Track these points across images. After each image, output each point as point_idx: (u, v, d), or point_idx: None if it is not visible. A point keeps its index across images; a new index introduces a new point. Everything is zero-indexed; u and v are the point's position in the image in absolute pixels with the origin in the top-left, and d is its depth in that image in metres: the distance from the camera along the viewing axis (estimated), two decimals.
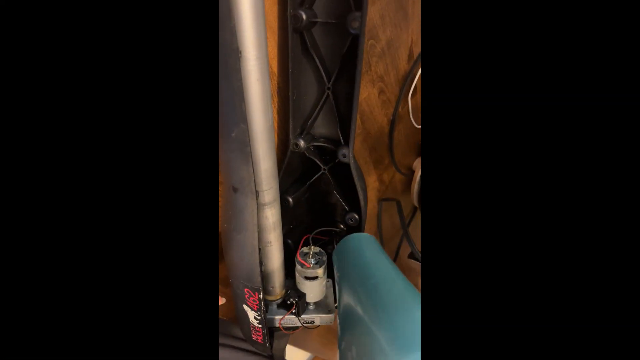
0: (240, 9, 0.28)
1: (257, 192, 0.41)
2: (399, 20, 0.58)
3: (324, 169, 0.50)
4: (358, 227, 0.52)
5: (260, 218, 0.44)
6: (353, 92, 0.43)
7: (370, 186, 0.80)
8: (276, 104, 0.47)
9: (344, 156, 0.46)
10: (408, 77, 0.67)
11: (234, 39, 0.29)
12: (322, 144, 0.49)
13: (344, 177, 0.49)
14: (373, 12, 0.52)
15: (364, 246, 0.46)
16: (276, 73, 0.45)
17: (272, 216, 0.45)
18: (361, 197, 0.48)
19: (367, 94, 0.61)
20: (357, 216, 0.51)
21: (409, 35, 0.62)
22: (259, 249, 0.48)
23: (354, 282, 0.42)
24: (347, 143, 0.46)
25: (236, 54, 0.30)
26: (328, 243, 0.60)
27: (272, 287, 0.53)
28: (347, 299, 0.42)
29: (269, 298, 0.54)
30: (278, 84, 0.46)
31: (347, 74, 0.43)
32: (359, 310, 0.37)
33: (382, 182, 0.83)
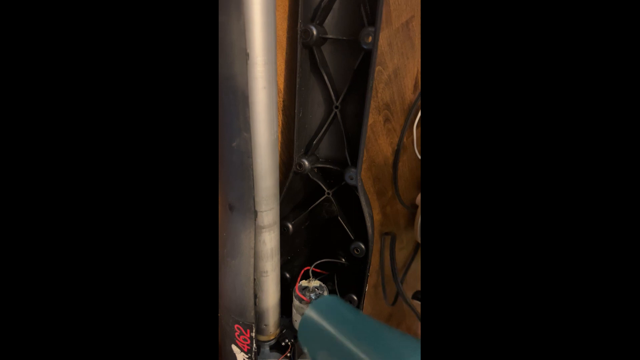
0: (251, 7, 0.26)
1: (255, 213, 0.37)
2: (406, 49, 0.58)
3: (328, 193, 0.47)
4: (364, 258, 0.47)
5: (257, 243, 0.40)
6: (363, 109, 0.41)
7: (374, 219, 0.76)
8: (280, 122, 0.45)
9: (351, 178, 0.43)
10: (413, 107, 0.66)
11: (242, 39, 0.27)
12: (327, 166, 0.46)
13: (350, 203, 0.46)
14: (382, 39, 0.52)
15: (325, 319, 0.37)
16: (282, 90, 0.43)
17: (270, 241, 0.41)
18: (369, 224, 0.44)
19: (373, 121, 0.60)
20: (363, 246, 0.46)
21: (415, 66, 0.62)
22: (254, 279, 0.43)
23: None
24: (354, 164, 0.43)
25: (244, 55, 0.28)
26: (328, 278, 0.55)
27: (266, 326, 0.47)
28: None
29: (262, 338, 0.48)
30: (283, 102, 0.44)
31: (356, 92, 0.42)
32: None
33: (385, 215, 0.79)
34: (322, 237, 0.57)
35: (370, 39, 0.36)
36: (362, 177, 0.64)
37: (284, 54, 0.41)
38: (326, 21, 0.40)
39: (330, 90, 0.42)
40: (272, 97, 0.33)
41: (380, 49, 0.52)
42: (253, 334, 0.39)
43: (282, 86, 0.43)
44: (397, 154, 0.70)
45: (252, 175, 0.33)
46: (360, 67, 0.40)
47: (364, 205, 0.43)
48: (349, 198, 0.45)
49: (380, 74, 0.55)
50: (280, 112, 0.45)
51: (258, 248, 0.41)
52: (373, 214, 0.76)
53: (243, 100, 0.30)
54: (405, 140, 0.70)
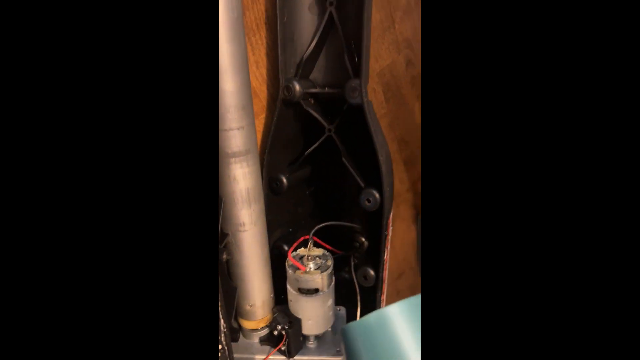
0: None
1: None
2: None
3: (329, 130, 0.36)
4: (379, 211, 0.34)
5: (225, 179, 0.29)
6: (363, 5, 0.30)
7: (402, 197, 0.63)
8: (264, 38, 0.36)
9: (355, 91, 0.32)
10: None
11: None
12: (325, 90, 0.35)
13: (356, 136, 0.34)
14: None
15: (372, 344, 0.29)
16: None
17: (244, 179, 0.30)
18: (381, 157, 0.32)
19: (392, 60, 0.48)
20: (376, 194, 0.34)
21: None
22: (225, 234, 0.32)
23: None
24: (358, 75, 0.32)
25: None
26: (343, 262, 0.43)
27: (251, 306, 0.35)
28: None
29: (247, 325, 0.36)
30: (266, 10, 0.35)
31: None
32: None
33: (416, 193, 0.65)
34: (334, 204, 0.45)
35: None
36: (385, 136, 0.52)
37: None
38: None
39: None
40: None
41: None
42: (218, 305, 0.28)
43: None
44: None
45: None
46: None
47: (373, 132, 0.31)
48: (356, 131, 0.34)
49: None
50: (264, 25, 0.35)
51: (227, 187, 0.30)
52: (403, 191, 0.62)
53: None
54: None
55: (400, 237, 0.67)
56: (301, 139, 0.39)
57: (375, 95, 0.48)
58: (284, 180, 0.38)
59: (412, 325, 0.28)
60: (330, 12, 0.33)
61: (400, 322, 0.28)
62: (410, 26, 0.48)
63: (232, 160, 0.29)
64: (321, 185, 0.43)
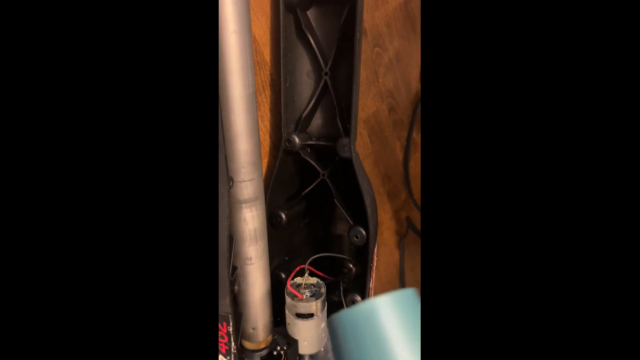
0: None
1: (231, 180, 0.32)
2: (407, 32, 0.55)
3: (323, 174, 0.42)
4: (365, 246, 0.40)
5: (236, 221, 0.35)
6: (352, 74, 0.37)
7: (385, 225, 0.69)
8: (268, 98, 0.42)
9: (345, 147, 0.38)
10: (421, 99, 0.62)
11: None
12: (320, 143, 0.42)
13: (346, 182, 0.40)
14: (378, 19, 0.50)
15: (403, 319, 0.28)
16: (269, 62, 0.41)
17: (252, 220, 0.36)
18: (367, 201, 0.38)
19: (376, 109, 0.56)
20: (363, 231, 0.40)
21: (419, 52, 0.59)
22: (234, 268, 0.37)
23: None
24: (347, 134, 0.38)
25: None
26: (334, 286, 0.48)
27: (254, 329, 0.40)
28: None
29: (249, 346, 0.41)
30: (271, 75, 0.42)
31: (345, 57, 0.38)
32: None
33: (399, 221, 0.71)
34: (325, 234, 0.51)
35: None
36: (369, 173, 0.58)
37: (269, 19, 0.39)
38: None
39: (319, 55, 0.39)
40: (245, 44, 0.30)
41: (377, 29, 0.50)
42: (231, 329, 0.33)
43: (268, 57, 0.41)
44: (407, 150, 0.65)
45: (223, 134, 0.29)
46: (346, 23, 0.36)
47: (360, 180, 0.38)
48: (346, 177, 0.40)
49: (380, 57, 0.52)
50: (268, 86, 0.42)
51: (238, 227, 0.36)
52: (386, 220, 0.69)
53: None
54: (415, 135, 0.65)
55: (385, 261, 0.73)
56: (298, 181, 0.45)
57: (361, 138, 0.55)
58: (283, 216, 0.44)
59: (401, 317, 0.27)
60: (325, 80, 0.40)
61: (389, 314, 0.27)
62: (392, 79, 0.56)
63: (244, 205, 0.35)
64: (315, 220, 0.49)
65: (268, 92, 0.42)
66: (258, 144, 0.34)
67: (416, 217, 0.73)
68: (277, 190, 0.43)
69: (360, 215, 0.40)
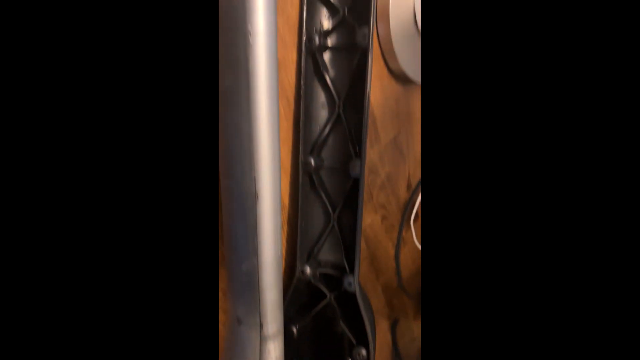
0: (261, 163, 0.34)
1: (261, 324, 0.40)
2: (396, 158, 0.66)
3: (330, 297, 0.50)
4: None
5: (262, 352, 0.42)
6: (356, 223, 0.46)
7: (380, 312, 0.77)
8: (285, 232, 0.51)
9: (350, 285, 0.47)
10: (408, 204, 0.72)
11: (252, 183, 0.34)
12: (328, 272, 0.50)
13: (351, 307, 0.48)
14: (373, 154, 0.60)
15: None
16: (287, 206, 0.50)
17: (274, 350, 0.43)
18: (368, 329, 0.46)
19: (371, 221, 0.65)
20: (364, 352, 0.48)
21: (406, 169, 0.70)
22: None
23: None
24: (352, 271, 0.47)
25: (253, 197, 0.35)
26: None
27: None
28: None
29: None
30: (288, 215, 0.51)
31: (350, 206, 0.48)
32: None
33: (391, 307, 0.79)
34: (327, 340, 0.58)
35: (357, 169, 0.44)
36: (365, 274, 0.67)
37: (289, 177, 0.49)
38: (323, 151, 0.48)
39: (328, 205, 0.49)
40: (277, 225, 0.39)
41: (372, 163, 0.60)
42: None
43: (287, 202, 0.50)
44: (397, 247, 0.74)
45: (259, 293, 0.37)
46: (351, 190, 0.47)
47: (363, 312, 0.46)
48: (350, 302, 0.48)
49: (374, 182, 0.63)
50: (286, 223, 0.51)
51: (263, 357, 0.43)
52: (380, 307, 0.77)
53: (252, 230, 0.36)
54: (404, 234, 0.75)
55: (379, 344, 0.80)
56: (308, 301, 0.53)
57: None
58: (295, 331, 0.52)
59: None
60: (333, 225, 0.49)
61: None
62: (384, 195, 0.66)
63: (269, 340, 0.42)
64: (321, 334, 0.56)
65: (285, 227, 0.51)
66: (281, 291, 0.42)
67: (407, 303, 0.81)
68: (290, 308, 0.51)
69: (362, 336, 0.48)
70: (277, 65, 0.34)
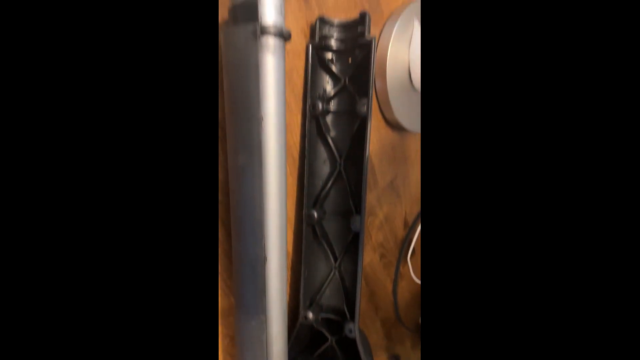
0: (270, 232, 0.38)
1: None
2: (393, 199, 0.70)
3: (331, 340, 0.53)
4: None
5: None
6: (356, 271, 0.50)
7: (379, 344, 0.79)
8: (289, 278, 0.54)
9: (350, 331, 0.50)
10: (405, 241, 0.76)
11: (262, 249, 0.38)
12: (330, 316, 0.53)
13: (351, 352, 0.51)
14: (371, 198, 0.64)
15: None
16: (291, 253, 0.53)
17: None
18: None
19: (370, 259, 0.69)
20: None
21: (403, 209, 0.73)
22: None
23: None
24: (352, 318, 0.50)
25: (262, 261, 0.38)
26: None
27: None
28: None
29: None
30: (292, 262, 0.54)
31: (351, 256, 0.51)
32: None
33: (390, 339, 0.82)
34: None
35: (357, 225, 0.47)
36: (365, 310, 0.70)
37: (293, 229, 0.52)
38: (325, 203, 0.52)
39: (330, 254, 0.52)
40: (283, 284, 0.42)
41: (370, 205, 0.64)
42: None
43: (291, 250, 0.53)
44: (395, 282, 0.77)
45: (266, 346, 0.40)
46: (352, 242, 0.50)
47: (363, 357, 0.49)
48: (351, 347, 0.51)
49: (372, 223, 0.66)
50: (289, 269, 0.54)
51: None
52: (379, 341, 0.79)
53: (261, 290, 0.39)
54: (401, 269, 0.78)
55: None
56: (310, 343, 0.56)
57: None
58: None
59: None
60: (335, 272, 0.52)
61: None
62: (382, 235, 0.70)
63: None
64: None
65: (289, 273, 0.54)
66: (286, 342, 0.45)
67: (405, 333, 0.84)
68: (293, 350, 0.54)
69: None
70: (286, 143, 0.38)
